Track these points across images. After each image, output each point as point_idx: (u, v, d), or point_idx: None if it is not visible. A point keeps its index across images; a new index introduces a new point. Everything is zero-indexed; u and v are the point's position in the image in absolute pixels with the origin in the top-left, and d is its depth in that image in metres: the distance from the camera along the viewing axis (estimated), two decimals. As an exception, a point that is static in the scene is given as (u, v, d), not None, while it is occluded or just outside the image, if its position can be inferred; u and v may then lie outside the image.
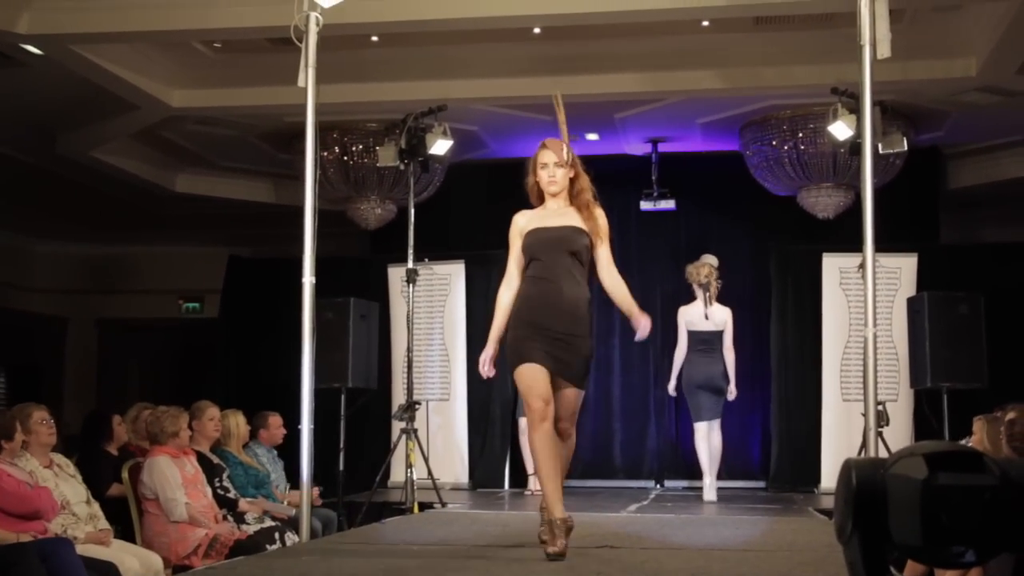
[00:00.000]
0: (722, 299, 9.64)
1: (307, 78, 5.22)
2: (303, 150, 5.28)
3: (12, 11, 7.91)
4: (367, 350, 9.73)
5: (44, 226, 14.33)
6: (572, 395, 5.15)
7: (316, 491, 8.06)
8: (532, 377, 5.02)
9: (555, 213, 5.32)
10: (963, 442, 6.72)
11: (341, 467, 9.02)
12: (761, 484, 11.13)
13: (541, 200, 5.39)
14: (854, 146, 8.10)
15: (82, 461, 7.01)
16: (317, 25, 5.24)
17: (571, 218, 5.28)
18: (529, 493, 9.90)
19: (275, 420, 8.45)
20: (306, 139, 5.25)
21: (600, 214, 5.32)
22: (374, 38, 8.86)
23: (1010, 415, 5.71)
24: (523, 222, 5.36)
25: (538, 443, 4.98)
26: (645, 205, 11.25)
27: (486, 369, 5.37)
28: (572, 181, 5.35)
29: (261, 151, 11.73)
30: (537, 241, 5.25)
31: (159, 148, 11.60)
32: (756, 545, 5.60)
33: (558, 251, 5.20)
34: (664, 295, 11.36)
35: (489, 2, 7.92)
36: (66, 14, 8.09)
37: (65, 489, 6.11)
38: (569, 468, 5.33)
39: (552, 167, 5.30)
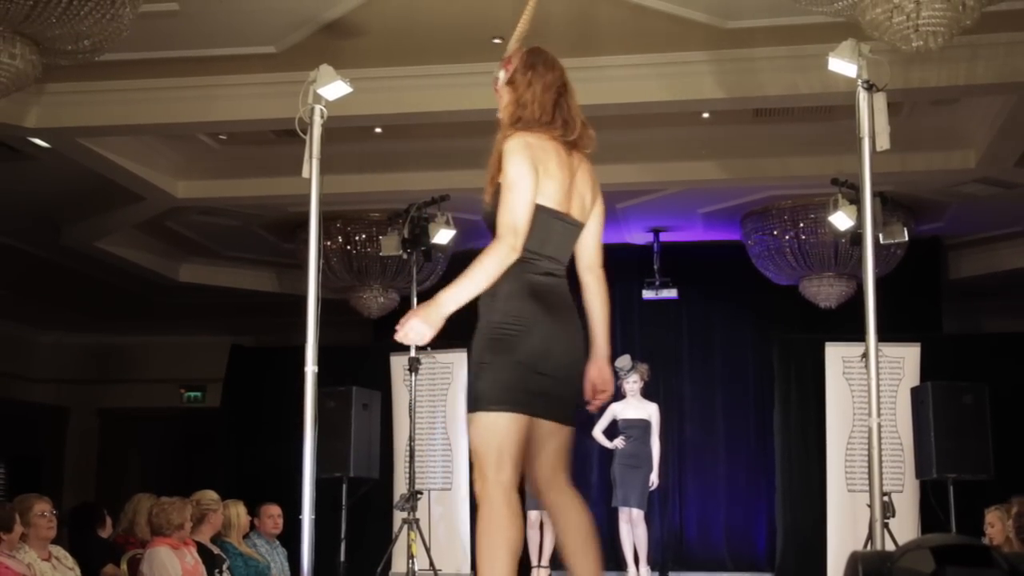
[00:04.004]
0: (724, 386, 9.66)
1: (311, 169, 5.26)
2: (307, 240, 5.29)
3: (21, 106, 8.00)
4: (369, 439, 9.67)
5: (46, 316, 14.35)
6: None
7: None
8: None
9: None
10: (985, 539, 6.67)
11: (342, 558, 8.91)
12: (767, 576, 11.02)
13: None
14: (855, 236, 8.12)
15: (74, 547, 6.96)
16: (322, 117, 5.28)
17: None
18: None
19: (267, 510, 8.39)
20: (310, 229, 5.27)
21: (503, 140, 3.90)
22: (378, 130, 8.95)
23: (1016, 508, 5.67)
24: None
25: None
26: (647, 294, 11.26)
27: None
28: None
29: (265, 241, 11.78)
30: None
31: (163, 238, 11.66)
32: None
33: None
34: (666, 384, 11.34)
35: (492, 95, 8.00)
36: (73, 108, 8.18)
37: (63, 582, 6.05)
38: None
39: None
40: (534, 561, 9.83)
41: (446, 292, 3.59)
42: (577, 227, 3.84)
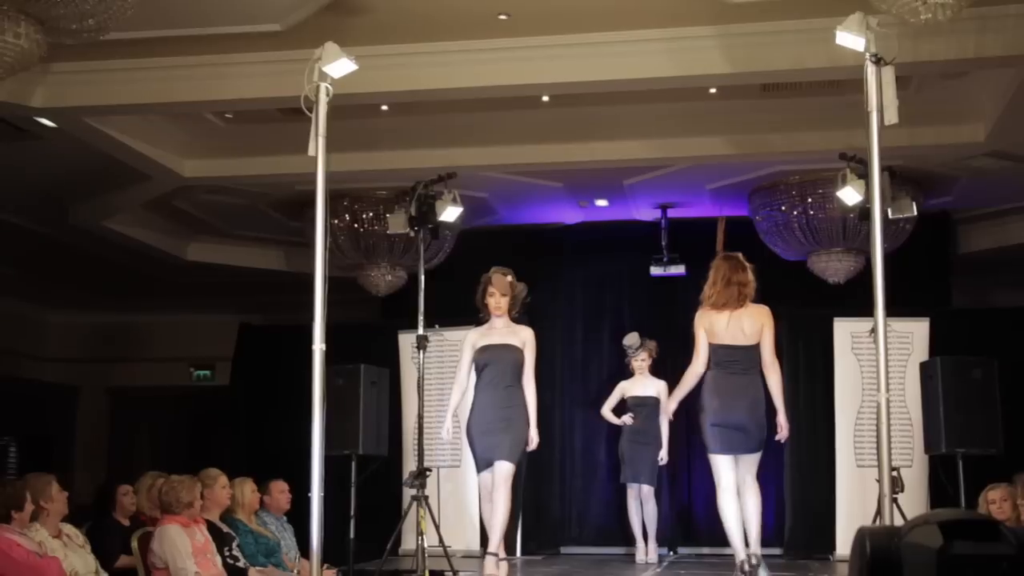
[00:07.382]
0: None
1: (317, 147, 5.25)
2: (314, 218, 5.30)
3: (27, 85, 7.99)
4: (378, 417, 9.67)
5: (56, 295, 14.38)
6: None
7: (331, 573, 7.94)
8: None
9: None
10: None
11: (352, 535, 8.94)
12: (776, 551, 11.00)
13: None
14: (863, 211, 8.08)
15: (92, 531, 6.99)
16: (327, 95, 5.28)
17: None
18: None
19: (277, 486, 8.41)
20: (316, 207, 5.27)
21: None
22: (384, 107, 8.93)
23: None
24: None
25: None
26: (655, 271, 11.24)
27: None
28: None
29: (272, 219, 11.78)
30: None
31: (171, 217, 11.67)
32: (771, 614, 5.52)
33: None
34: (674, 361, 11.31)
35: (498, 72, 7.98)
36: (79, 87, 8.17)
37: (74, 560, 6.08)
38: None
39: None
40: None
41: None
42: (738, 348, 7.21)
